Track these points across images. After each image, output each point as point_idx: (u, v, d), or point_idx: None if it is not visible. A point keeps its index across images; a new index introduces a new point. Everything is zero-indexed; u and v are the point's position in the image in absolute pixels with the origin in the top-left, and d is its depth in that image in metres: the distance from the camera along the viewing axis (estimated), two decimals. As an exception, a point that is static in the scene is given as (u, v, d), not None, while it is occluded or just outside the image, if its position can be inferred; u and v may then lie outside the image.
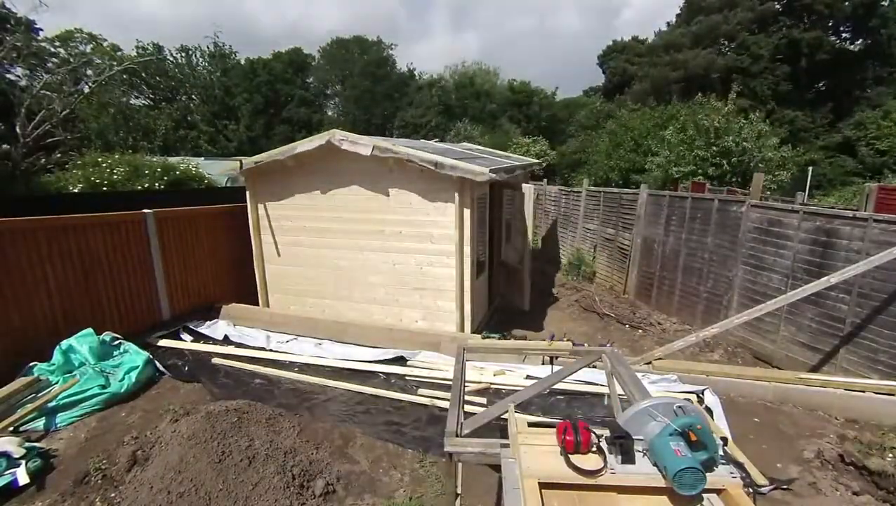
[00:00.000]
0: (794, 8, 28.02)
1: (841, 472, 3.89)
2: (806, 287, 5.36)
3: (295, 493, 3.37)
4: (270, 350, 6.14)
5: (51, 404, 4.30)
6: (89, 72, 18.56)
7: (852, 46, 29.36)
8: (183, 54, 36.43)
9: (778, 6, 28.40)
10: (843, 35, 29.76)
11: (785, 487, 3.68)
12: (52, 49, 19.88)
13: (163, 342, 6.11)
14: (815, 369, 5.60)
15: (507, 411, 2.14)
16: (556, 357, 3.71)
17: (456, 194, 5.89)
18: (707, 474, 1.50)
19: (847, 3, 27.43)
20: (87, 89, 18.61)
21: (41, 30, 18.71)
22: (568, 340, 4.79)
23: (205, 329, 6.61)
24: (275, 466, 3.51)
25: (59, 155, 14.82)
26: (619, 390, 2.89)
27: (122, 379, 4.83)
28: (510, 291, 8.36)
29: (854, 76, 28.06)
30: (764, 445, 4.26)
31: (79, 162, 12.29)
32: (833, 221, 5.52)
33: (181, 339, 6.33)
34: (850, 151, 25.09)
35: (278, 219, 7.02)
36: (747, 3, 28.08)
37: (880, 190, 6.46)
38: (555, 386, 3.75)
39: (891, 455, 3.99)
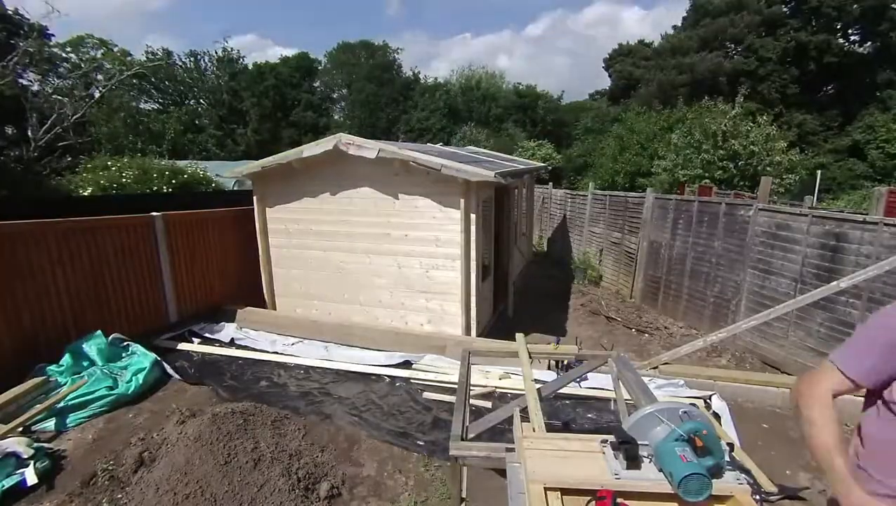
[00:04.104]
0: (801, 11, 27.89)
1: (851, 479, 3.83)
2: (815, 292, 5.30)
3: (300, 495, 3.37)
4: (277, 353, 6.16)
5: (59, 405, 4.34)
6: (100, 76, 18.82)
7: (861, 49, 29.12)
8: (192, 59, 36.90)
9: (785, 9, 28.26)
10: (853, 38, 29.54)
11: (795, 494, 3.63)
12: (64, 54, 20.17)
13: (170, 344, 6.15)
14: (824, 375, 5.52)
15: (511, 415, 2.14)
16: (562, 361, 3.70)
17: (461, 198, 5.89)
18: (714, 481, 1.49)
19: (856, 7, 27.23)
20: (97, 94, 18.88)
21: (53, 35, 19.02)
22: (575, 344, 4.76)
23: (211, 331, 6.66)
24: (280, 468, 3.52)
25: (69, 158, 15.01)
26: (625, 395, 2.88)
27: (130, 380, 4.86)
28: (499, 294, 8.26)
29: (864, 79, 27.80)
30: (773, 451, 4.21)
31: (89, 165, 12.45)
32: (842, 224, 5.47)
33: (188, 341, 6.37)
34: (860, 155, 24.85)
35: (285, 222, 7.06)
36: (754, 6, 27.94)
37: (890, 193, 6.39)
38: (560, 390, 3.73)
39: (903, 463, 3.92)
